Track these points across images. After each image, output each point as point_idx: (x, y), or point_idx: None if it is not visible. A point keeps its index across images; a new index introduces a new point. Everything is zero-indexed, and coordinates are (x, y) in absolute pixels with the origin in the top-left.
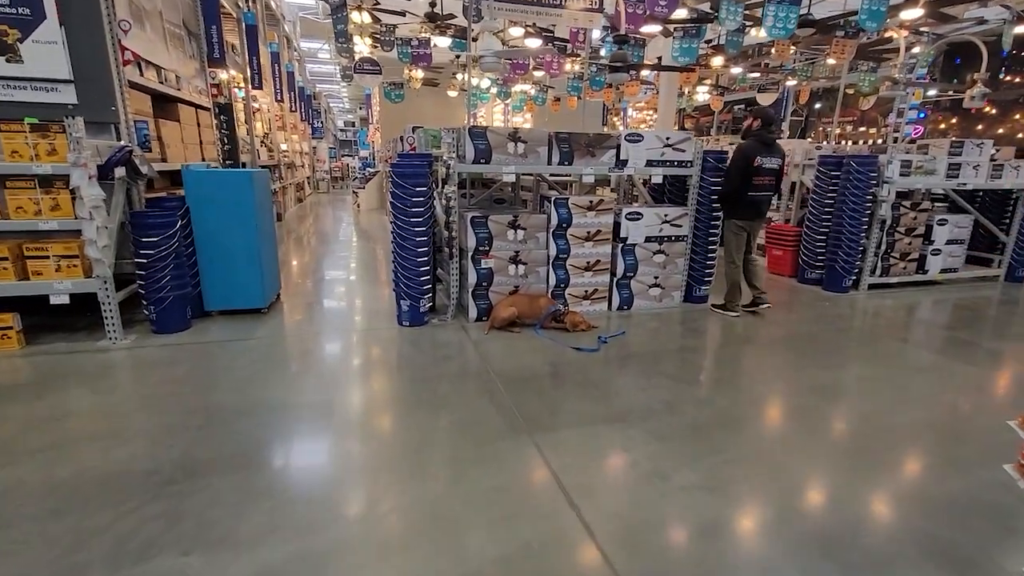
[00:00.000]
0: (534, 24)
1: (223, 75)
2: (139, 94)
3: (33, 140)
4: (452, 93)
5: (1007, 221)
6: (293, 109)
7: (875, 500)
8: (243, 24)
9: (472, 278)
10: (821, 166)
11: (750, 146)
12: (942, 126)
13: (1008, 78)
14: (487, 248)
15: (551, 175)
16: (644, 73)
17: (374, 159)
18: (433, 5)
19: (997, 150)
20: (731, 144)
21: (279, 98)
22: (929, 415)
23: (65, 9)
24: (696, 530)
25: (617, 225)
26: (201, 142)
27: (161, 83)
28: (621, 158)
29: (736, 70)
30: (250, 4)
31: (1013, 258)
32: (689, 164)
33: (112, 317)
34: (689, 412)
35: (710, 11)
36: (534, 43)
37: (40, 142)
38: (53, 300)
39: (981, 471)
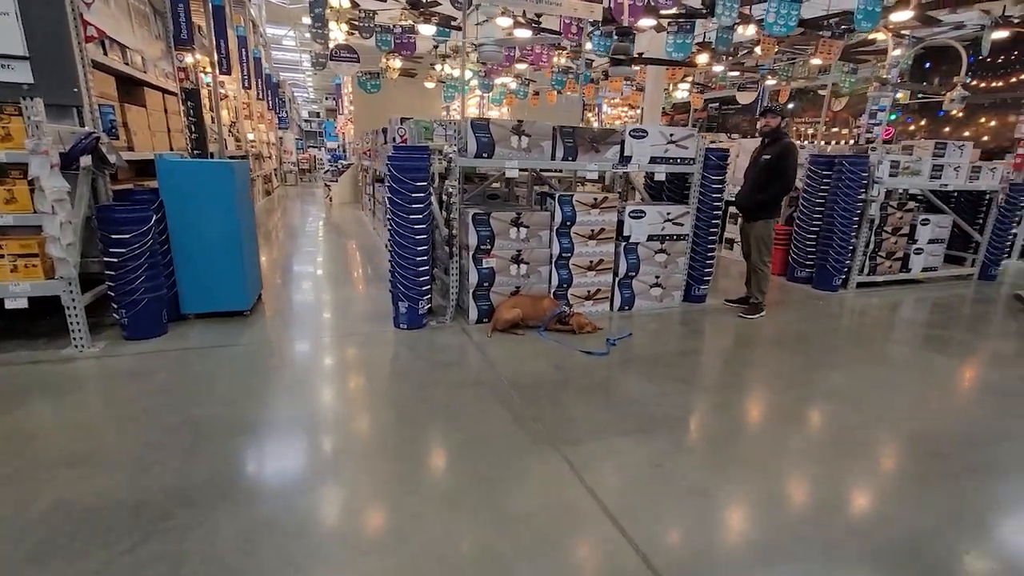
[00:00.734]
0: (524, 13)
1: (189, 59)
2: (103, 75)
3: None
4: (429, 84)
5: (980, 221)
6: (260, 97)
7: (930, 512)
8: (210, 4)
9: (473, 278)
10: (812, 166)
11: (795, 144)
12: (911, 128)
13: (974, 82)
14: (489, 247)
15: (553, 171)
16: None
17: (344, 151)
18: None
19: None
20: (713, 143)
21: (246, 85)
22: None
23: None
24: (754, 555)
25: (620, 223)
26: (169, 129)
27: (126, 64)
28: (625, 154)
29: (718, 68)
30: None
31: (987, 257)
32: (691, 161)
33: (78, 322)
34: (713, 421)
35: (701, 7)
36: (523, 33)
37: None
38: (9, 304)
39: None
